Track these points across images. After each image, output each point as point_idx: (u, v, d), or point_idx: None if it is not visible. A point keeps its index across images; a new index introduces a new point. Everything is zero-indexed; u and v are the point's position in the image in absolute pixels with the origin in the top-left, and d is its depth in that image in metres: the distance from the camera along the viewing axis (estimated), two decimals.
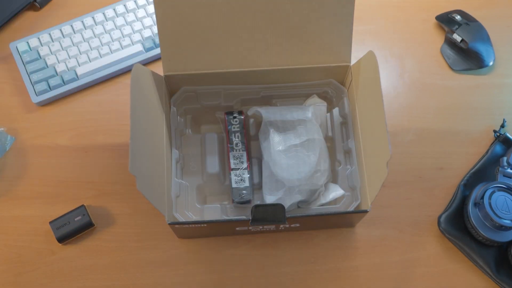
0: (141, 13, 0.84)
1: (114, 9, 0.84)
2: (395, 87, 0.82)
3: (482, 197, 0.68)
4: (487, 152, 0.75)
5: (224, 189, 0.71)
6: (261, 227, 0.65)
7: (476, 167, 0.74)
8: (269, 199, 0.67)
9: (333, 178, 0.71)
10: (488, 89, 0.81)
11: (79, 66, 0.80)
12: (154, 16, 0.84)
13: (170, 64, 0.68)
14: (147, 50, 0.82)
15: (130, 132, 0.54)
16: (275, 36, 0.67)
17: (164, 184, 0.65)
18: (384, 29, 0.87)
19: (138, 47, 0.81)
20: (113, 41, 0.82)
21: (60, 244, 0.69)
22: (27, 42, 0.81)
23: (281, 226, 0.65)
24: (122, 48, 0.81)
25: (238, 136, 0.71)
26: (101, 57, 0.80)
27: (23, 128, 0.77)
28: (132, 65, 0.80)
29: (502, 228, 0.66)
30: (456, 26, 0.83)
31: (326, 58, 0.69)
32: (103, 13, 0.83)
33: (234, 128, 0.71)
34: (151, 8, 0.84)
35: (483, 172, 0.74)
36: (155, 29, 0.83)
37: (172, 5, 0.63)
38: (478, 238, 0.68)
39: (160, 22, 0.64)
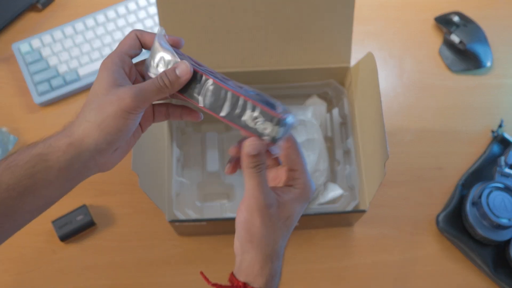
0: (142, 14, 0.84)
1: (115, 10, 0.84)
2: (394, 87, 0.82)
3: (480, 197, 0.68)
4: (484, 152, 0.76)
5: (224, 187, 0.71)
6: None
7: (474, 167, 0.75)
8: None
9: (332, 177, 0.72)
10: (486, 90, 0.82)
11: (81, 66, 0.80)
12: (155, 17, 0.85)
13: None
14: (148, 51, 0.82)
15: None
16: (276, 37, 0.67)
17: (164, 182, 0.66)
18: (383, 30, 0.87)
19: None
20: (114, 42, 0.82)
21: (61, 243, 0.69)
22: (29, 43, 0.81)
23: None
24: None
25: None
26: (102, 58, 0.81)
27: (25, 128, 0.77)
28: None
29: (499, 227, 0.67)
30: (454, 27, 0.83)
31: (326, 59, 0.70)
32: (105, 14, 0.84)
33: None
34: (152, 9, 0.85)
35: (481, 172, 0.74)
36: (156, 30, 0.84)
37: (174, 5, 0.64)
38: (476, 237, 0.69)
39: (162, 22, 0.65)
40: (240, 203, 0.42)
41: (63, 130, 0.42)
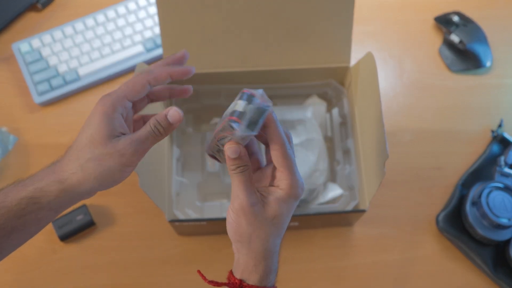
0: (142, 14, 0.85)
1: (115, 10, 0.84)
2: (394, 87, 0.82)
3: (480, 196, 0.68)
4: (484, 151, 0.76)
5: (224, 187, 0.72)
6: None
7: (473, 167, 0.75)
8: None
9: (332, 177, 0.72)
10: (486, 90, 0.82)
11: (81, 66, 0.80)
12: (155, 17, 0.85)
13: None
14: (148, 50, 0.82)
15: None
16: (276, 36, 0.67)
17: (164, 182, 0.66)
18: (383, 30, 0.87)
19: (139, 48, 0.82)
20: (114, 42, 0.82)
21: (62, 243, 0.70)
22: (29, 43, 0.81)
23: None
24: (123, 49, 0.82)
25: None
26: (102, 57, 0.81)
27: (26, 128, 0.78)
28: (133, 66, 0.81)
29: (499, 227, 0.67)
30: (454, 27, 0.84)
31: (326, 59, 0.70)
32: (105, 14, 0.84)
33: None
34: (152, 9, 0.85)
35: (481, 172, 0.74)
36: (156, 30, 0.84)
37: (174, 5, 0.64)
38: (476, 237, 0.69)
39: (162, 22, 0.65)
40: (229, 205, 0.43)
41: (53, 172, 0.42)
